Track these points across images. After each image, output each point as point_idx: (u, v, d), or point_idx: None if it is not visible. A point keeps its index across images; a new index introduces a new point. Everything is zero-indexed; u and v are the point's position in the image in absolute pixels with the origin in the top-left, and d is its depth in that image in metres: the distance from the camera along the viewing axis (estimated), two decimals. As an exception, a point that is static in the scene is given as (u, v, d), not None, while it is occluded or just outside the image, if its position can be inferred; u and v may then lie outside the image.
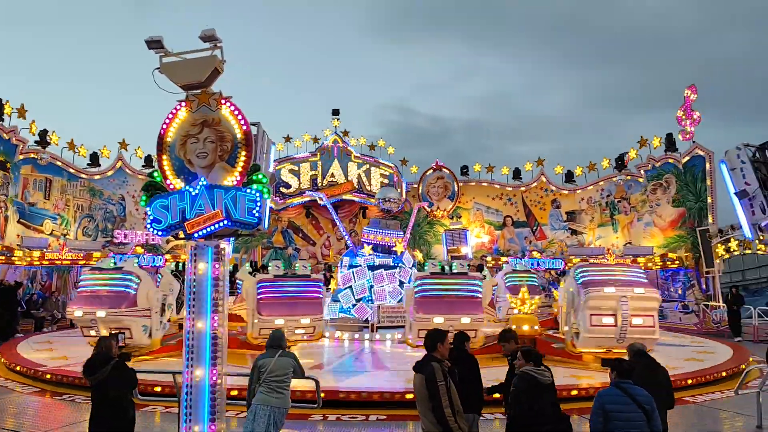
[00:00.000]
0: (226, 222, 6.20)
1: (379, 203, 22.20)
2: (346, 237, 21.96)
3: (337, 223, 22.40)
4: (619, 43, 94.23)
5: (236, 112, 6.54)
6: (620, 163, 29.17)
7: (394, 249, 19.33)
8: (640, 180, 28.01)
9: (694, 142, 25.49)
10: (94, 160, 28.54)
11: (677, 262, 25.36)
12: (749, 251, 23.85)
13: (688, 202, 25.68)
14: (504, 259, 27.92)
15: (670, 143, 26.56)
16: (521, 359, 5.84)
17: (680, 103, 25.94)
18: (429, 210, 31.48)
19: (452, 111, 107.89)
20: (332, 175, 31.62)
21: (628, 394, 5.17)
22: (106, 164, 29.15)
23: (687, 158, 25.66)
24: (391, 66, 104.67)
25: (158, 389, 10.13)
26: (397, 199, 22.53)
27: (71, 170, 26.96)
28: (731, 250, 23.73)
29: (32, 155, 24.21)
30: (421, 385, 5.66)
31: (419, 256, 19.54)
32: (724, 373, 12.39)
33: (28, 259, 22.47)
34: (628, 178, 28.58)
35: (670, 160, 26.47)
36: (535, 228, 32.42)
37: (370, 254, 19.17)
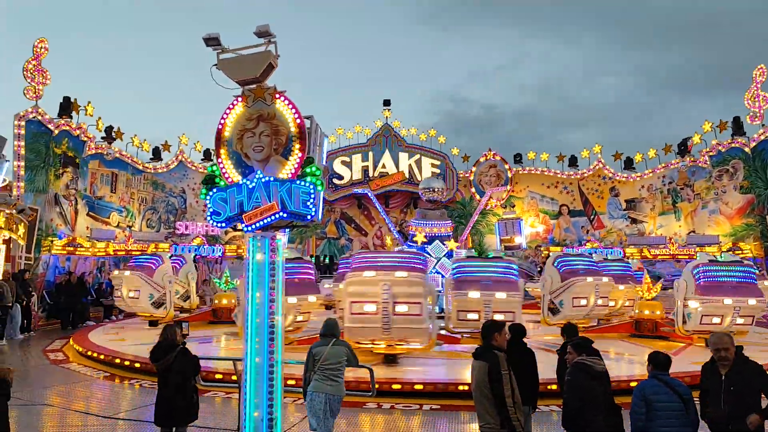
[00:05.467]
0: (281, 214, 6.34)
1: (422, 194, 21.87)
2: (392, 229, 21.97)
3: (383, 216, 22.45)
4: (678, 22, 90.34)
5: (290, 106, 6.65)
6: (683, 148, 28.10)
7: (446, 240, 19.23)
8: (705, 166, 26.91)
9: (764, 125, 24.28)
10: (156, 154, 29.59)
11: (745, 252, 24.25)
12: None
13: (758, 189, 24.51)
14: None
15: (737, 127, 25.37)
16: (573, 353, 5.76)
17: (747, 84, 24.73)
18: (480, 199, 31.25)
19: (505, 98, 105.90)
20: (383, 166, 31.82)
21: (667, 384, 5.21)
22: (167, 158, 30.22)
23: (756, 142, 24.47)
24: (442, 54, 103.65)
25: (219, 376, 10.52)
26: (441, 188, 21.89)
27: (135, 165, 28.02)
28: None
29: (99, 151, 25.26)
30: (483, 372, 5.50)
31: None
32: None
33: (101, 250, 23.40)
34: (692, 164, 27.52)
35: (738, 145, 25.31)
36: (592, 217, 31.65)
37: (421, 245, 19.11)
